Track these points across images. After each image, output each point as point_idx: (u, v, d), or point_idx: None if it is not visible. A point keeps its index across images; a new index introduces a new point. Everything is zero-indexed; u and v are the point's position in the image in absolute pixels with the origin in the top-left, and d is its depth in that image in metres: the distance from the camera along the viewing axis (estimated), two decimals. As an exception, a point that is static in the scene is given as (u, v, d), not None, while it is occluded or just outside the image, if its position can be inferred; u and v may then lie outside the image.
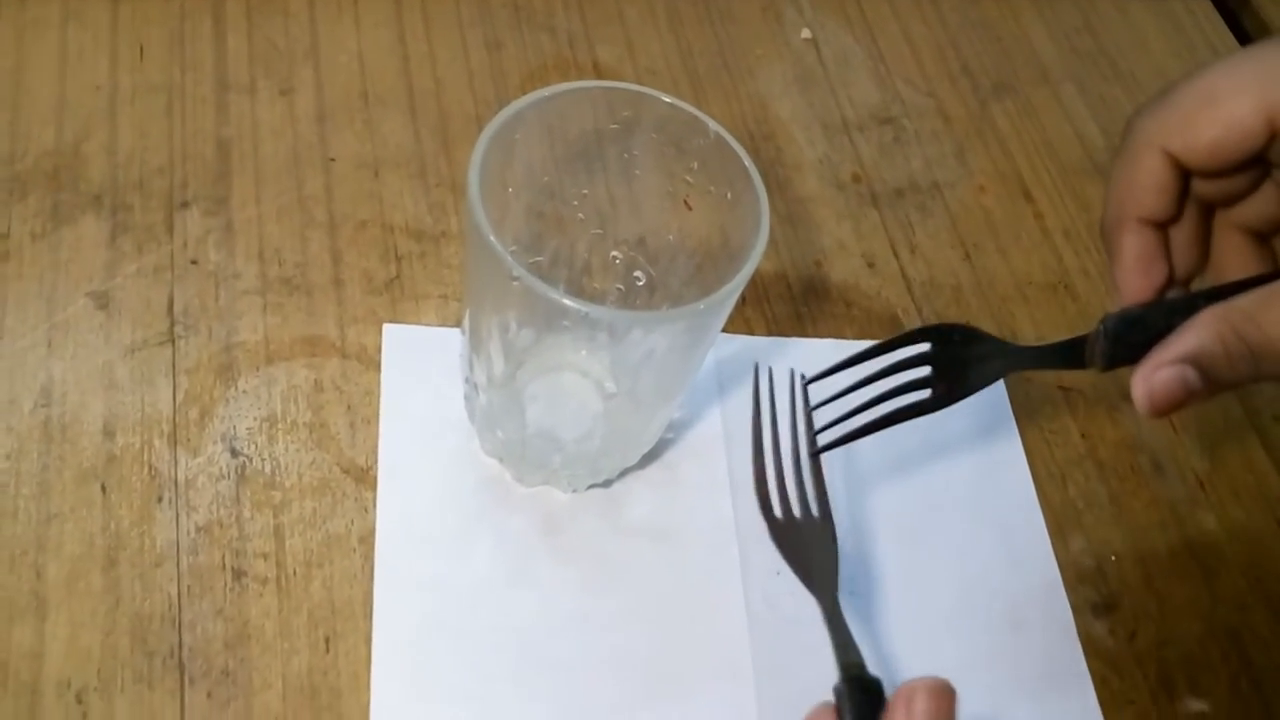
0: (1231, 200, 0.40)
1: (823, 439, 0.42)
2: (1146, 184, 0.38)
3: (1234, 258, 0.40)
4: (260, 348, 0.48)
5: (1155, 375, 0.36)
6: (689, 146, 0.40)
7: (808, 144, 0.60)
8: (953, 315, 0.55)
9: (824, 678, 0.44)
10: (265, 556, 0.43)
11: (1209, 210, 0.40)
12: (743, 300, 0.54)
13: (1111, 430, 0.53)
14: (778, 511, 0.43)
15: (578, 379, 0.46)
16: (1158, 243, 0.39)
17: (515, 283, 0.35)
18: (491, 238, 0.35)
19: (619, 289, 0.46)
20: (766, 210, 0.38)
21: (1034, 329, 0.56)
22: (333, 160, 0.53)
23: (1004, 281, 0.57)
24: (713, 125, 0.39)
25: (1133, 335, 0.37)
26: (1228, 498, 0.52)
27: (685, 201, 0.41)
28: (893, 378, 0.40)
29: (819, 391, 0.43)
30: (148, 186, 0.51)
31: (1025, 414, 0.53)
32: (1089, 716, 0.46)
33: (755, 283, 0.54)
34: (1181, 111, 0.37)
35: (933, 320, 0.55)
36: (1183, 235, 0.40)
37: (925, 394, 0.39)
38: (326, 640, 0.42)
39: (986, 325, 0.55)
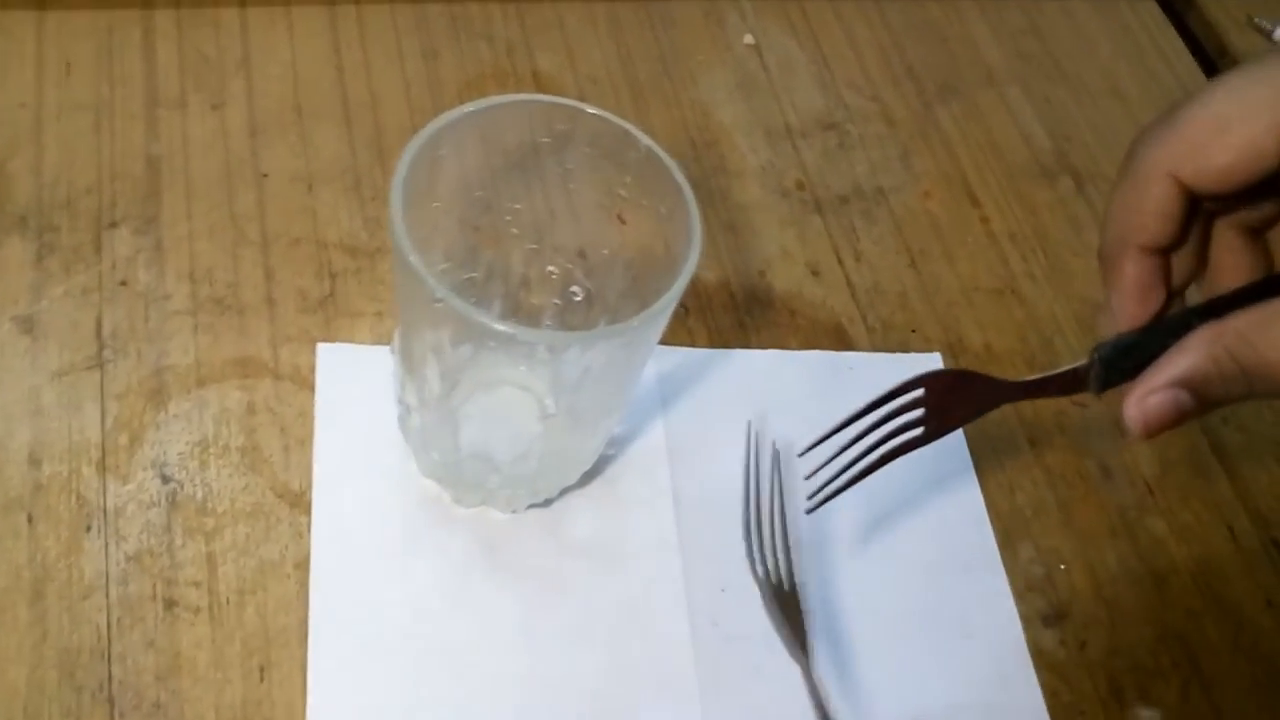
0: (1232, 209, 0.39)
1: (814, 489, 0.41)
2: (1154, 211, 0.37)
3: (1228, 256, 0.40)
4: (191, 370, 0.47)
5: (1148, 400, 0.36)
6: (622, 160, 0.40)
7: (750, 151, 0.59)
8: (899, 321, 0.55)
9: (770, 697, 0.44)
10: (197, 585, 0.42)
11: (1208, 218, 0.40)
12: (685, 311, 0.53)
13: (1059, 436, 0.53)
14: (759, 571, 0.45)
15: (516, 396, 0.45)
16: (1159, 269, 0.39)
17: (439, 304, 0.34)
18: (413, 259, 0.34)
19: (556, 304, 0.45)
20: (699, 225, 0.38)
21: (980, 334, 0.55)
22: (265, 175, 0.52)
23: (950, 287, 0.57)
24: (644, 140, 0.39)
25: (1126, 361, 0.37)
26: (1177, 503, 0.52)
27: (619, 216, 0.40)
28: (885, 427, 0.39)
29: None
30: (75, 206, 0.50)
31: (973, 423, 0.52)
32: (1039, 728, 0.45)
33: (697, 293, 0.54)
34: (1191, 138, 0.36)
35: (877, 327, 0.55)
36: (1184, 251, 0.40)
37: (916, 432, 0.39)
38: (261, 669, 0.41)
39: (932, 330, 0.55)
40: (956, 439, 0.52)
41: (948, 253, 0.58)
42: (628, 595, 0.45)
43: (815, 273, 0.56)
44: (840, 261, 0.57)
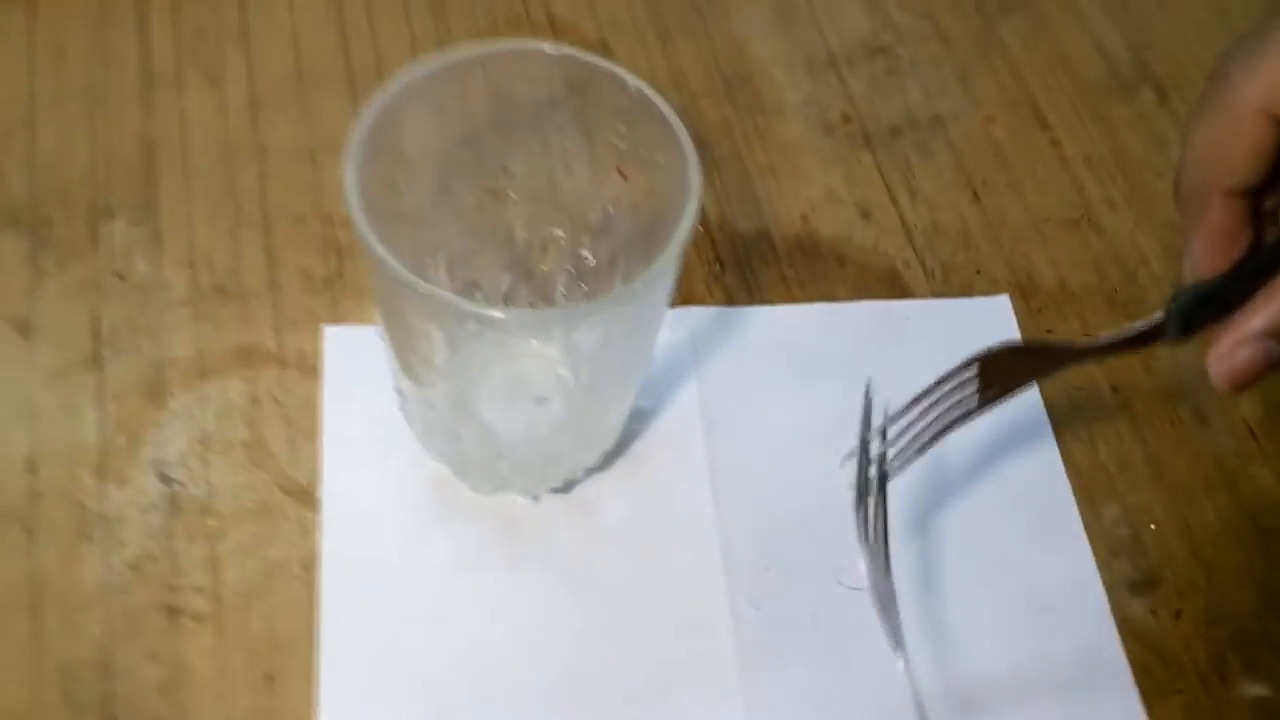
0: None
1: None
2: (1246, 151, 0.33)
3: None
4: (192, 363, 0.44)
5: (1237, 353, 0.33)
6: (612, 106, 0.36)
7: (790, 85, 0.54)
8: (960, 263, 0.50)
9: (816, 684, 0.40)
10: (201, 591, 0.40)
11: None
12: (720, 268, 0.49)
13: (1146, 379, 0.47)
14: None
15: (526, 372, 0.42)
16: (1246, 213, 0.35)
17: (425, 296, 0.30)
18: (374, 241, 0.31)
19: (569, 271, 0.42)
20: (697, 173, 0.34)
21: (1054, 271, 0.50)
22: (266, 150, 0.49)
23: (1018, 220, 0.51)
24: (631, 81, 0.35)
25: (1207, 312, 0.34)
26: (1284, 447, 0.46)
27: (619, 170, 0.36)
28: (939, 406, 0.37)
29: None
30: (70, 197, 0.47)
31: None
32: (1129, 711, 0.40)
33: (734, 246, 0.49)
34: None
35: (936, 271, 0.50)
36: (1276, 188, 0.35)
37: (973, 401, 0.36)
38: (269, 678, 0.39)
39: (999, 270, 0.50)
40: (1031, 393, 0.47)
41: (1014, 183, 0.53)
42: (662, 581, 0.42)
43: (866, 215, 0.51)
44: (894, 200, 0.52)
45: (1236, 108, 0.33)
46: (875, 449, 0.37)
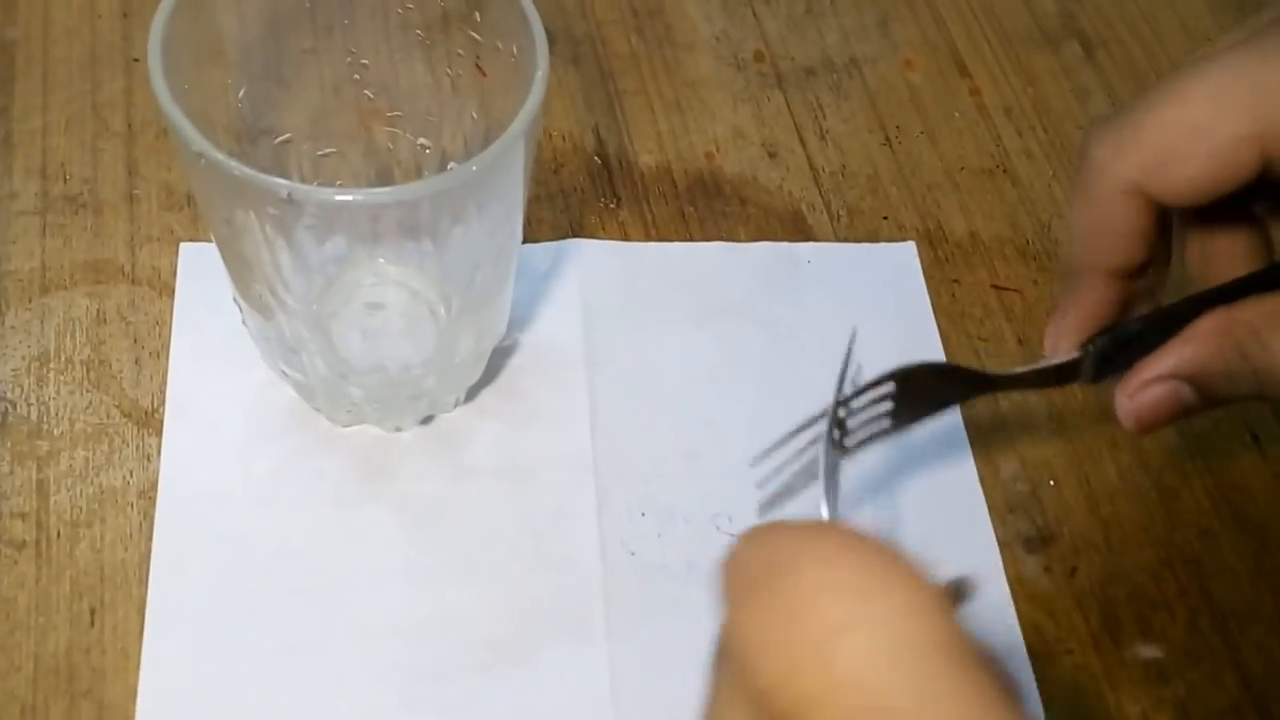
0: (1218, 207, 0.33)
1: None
2: (1121, 231, 0.32)
3: (1225, 243, 0.35)
4: (35, 276, 0.41)
5: (1145, 392, 0.33)
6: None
7: (703, 19, 0.52)
8: (868, 208, 0.48)
9: (688, 637, 0.37)
10: (23, 517, 0.37)
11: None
12: (616, 201, 0.46)
13: (1053, 333, 0.45)
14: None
15: (365, 287, 0.39)
16: (1127, 288, 0.34)
17: (202, 163, 0.28)
18: (169, 102, 0.28)
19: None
20: (544, 50, 0.30)
21: (965, 220, 0.48)
22: (136, 60, 0.46)
23: (930, 168, 0.49)
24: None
25: (1124, 356, 0.34)
26: (1192, 406, 0.44)
27: (477, 65, 0.34)
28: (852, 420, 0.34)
29: None
30: (-85, 98, 0.44)
31: (951, 318, 0.45)
32: (1015, 672, 0.38)
33: (631, 180, 0.47)
34: (1157, 145, 0.30)
35: (842, 215, 0.47)
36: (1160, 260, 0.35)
37: (884, 422, 0.34)
38: (92, 612, 0.36)
39: (908, 217, 0.48)
40: (928, 334, 0.45)
41: (930, 130, 0.50)
42: (530, 522, 0.39)
43: (772, 154, 0.49)
44: (802, 141, 0.49)
45: (1105, 189, 0.32)
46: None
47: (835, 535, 0.20)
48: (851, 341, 0.33)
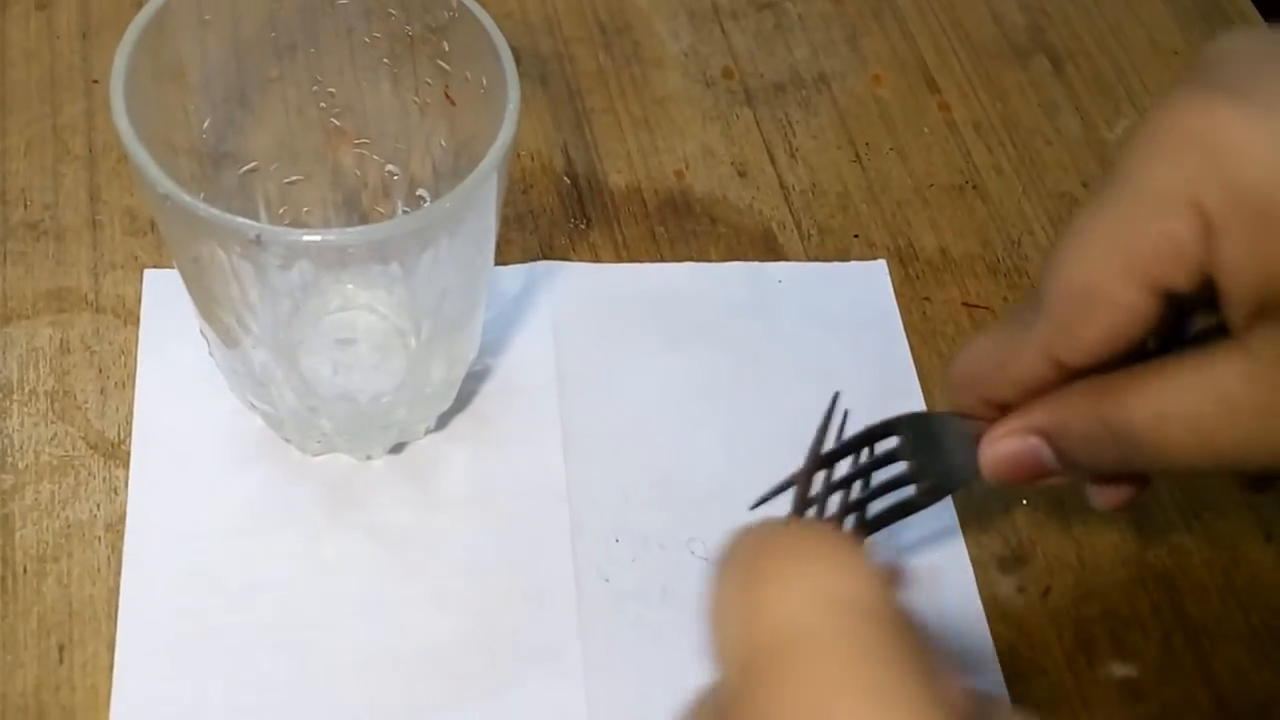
0: None
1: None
2: (1020, 384, 0.31)
3: None
4: (-4, 305, 0.41)
5: (1000, 442, 0.32)
6: (432, 22, 0.32)
7: (671, 36, 0.52)
8: (838, 226, 0.48)
9: (663, 664, 0.37)
10: (-13, 553, 0.36)
11: None
12: (586, 222, 0.46)
13: (1024, 350, 0.45)
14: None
15: (337, 319, 0.39)
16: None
17: (167, 203, 0.27)
18: (134, 143, 0.27)
19: (406, 214, 0.39)
20: (515, 86, 0.30)
21: (935, 237, 0.48)
22: (96, 82, 0.46)
23: (900, 185, 0.49)
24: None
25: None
26: (1162, 422, 0.44)
27: (446, 94, 0.33)
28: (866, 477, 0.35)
29: None
30: None
31: (923, 336, 0.45)
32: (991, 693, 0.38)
33: (602, 202, 0.47)
34: (1058, 318, 0.30)
35: (813, 233, 0.47)
36: None
37: (909, 490, 0.34)
38: (60, 649, 0.35)
39: (878, 235, 0.48)
40: (900, 356, 0.45)
41: (899, 146, 0.50)
42: (503, 550, 0.39)
43: (742, 173, 0.48)
44: (772, 159, 0.49)
45: (1024, 361, 0.31)
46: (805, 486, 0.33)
47: (798, 526, 0.24)
48: (834, 401, 0.34)
